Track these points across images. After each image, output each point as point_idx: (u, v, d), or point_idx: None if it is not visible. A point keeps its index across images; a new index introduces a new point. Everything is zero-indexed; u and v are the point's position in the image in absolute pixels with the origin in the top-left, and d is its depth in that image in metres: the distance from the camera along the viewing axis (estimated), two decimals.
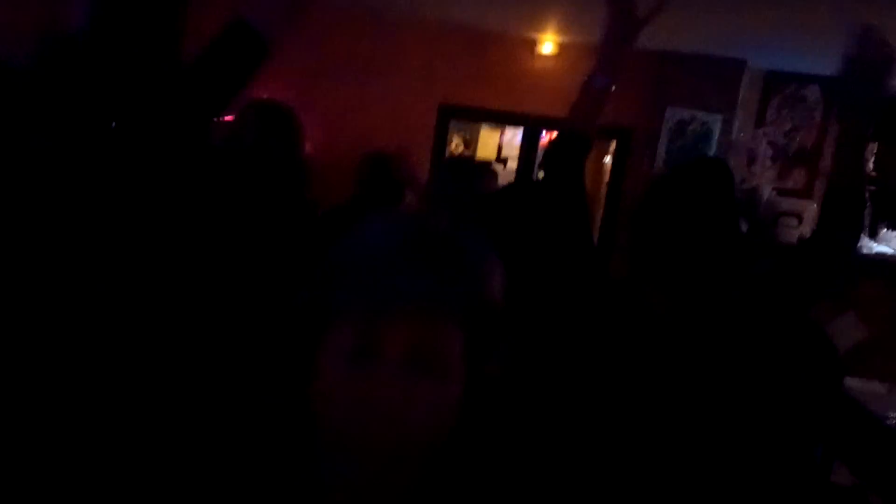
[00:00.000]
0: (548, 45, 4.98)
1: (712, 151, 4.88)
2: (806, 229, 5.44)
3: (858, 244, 1.26)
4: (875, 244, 5.41)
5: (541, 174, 1.74)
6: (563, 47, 4.99)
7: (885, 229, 5.73)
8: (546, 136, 5.51)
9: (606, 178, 5.45)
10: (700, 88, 4.99)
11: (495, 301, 0.71)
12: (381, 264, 0.66)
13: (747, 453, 1.22)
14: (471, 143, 6.56)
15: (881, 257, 5.20)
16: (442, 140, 5.20)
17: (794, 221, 5.02)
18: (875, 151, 6.14)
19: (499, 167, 5.85)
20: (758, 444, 1.23)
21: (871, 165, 6.20)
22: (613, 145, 5.38)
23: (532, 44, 4.99)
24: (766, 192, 5.26)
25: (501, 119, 5.64)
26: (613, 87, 1.58)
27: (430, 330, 0.67)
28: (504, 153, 6.62)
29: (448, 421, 0.69)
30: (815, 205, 5.71)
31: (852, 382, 3.06)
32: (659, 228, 1.32)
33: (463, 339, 0.68)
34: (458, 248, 0.69)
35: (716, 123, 4.95)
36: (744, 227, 1.26)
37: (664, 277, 1.30)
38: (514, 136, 6.10)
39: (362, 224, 0.72)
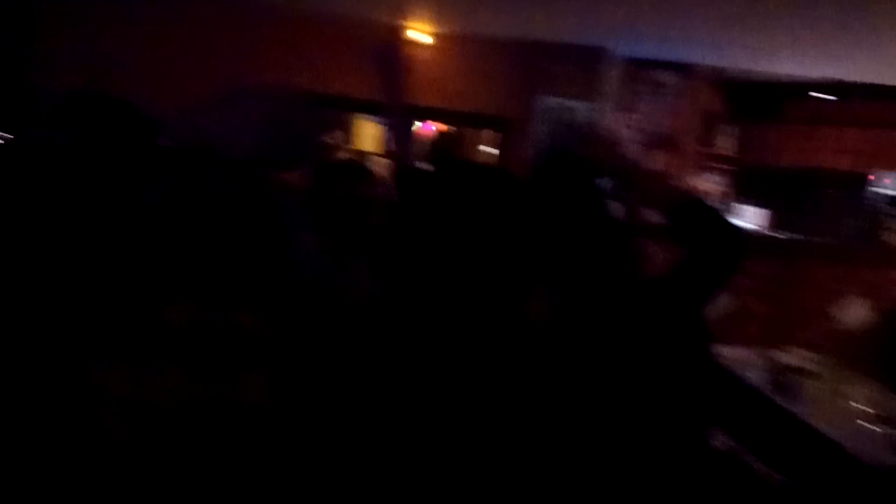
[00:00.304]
0: (418, 33, 4.92)
1: (580, 139, 5.01)
2: None
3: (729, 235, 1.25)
4: (736, 220, 5.79)
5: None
6: (437, 37, 4.96)
7: (742, 205, 6.14)
8: (431, 127, 5.47)
9: None
10: (565, 76, 5.12)
11: None
12: None
13: (630, 423, 1.21)
14: (349, 135, 6.40)
15: None
16: None
17: None
18: (737, 133, 6.59)
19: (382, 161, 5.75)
20: (638, 413, 1.22)
21: (731, 146, 6.63)
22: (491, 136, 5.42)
23: (403, 31, 4.93)
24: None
25: (375, 110, 5.50)
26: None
27: None
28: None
29: None
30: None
31: (722, 350, 3.20)
32: (530, 232, 1.29)
33: None
34: None
35: (583, 111, 5.09)
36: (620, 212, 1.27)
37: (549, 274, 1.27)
38: None
39: None
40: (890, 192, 6.08)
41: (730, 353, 3.29)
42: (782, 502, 2.46)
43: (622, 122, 5.71)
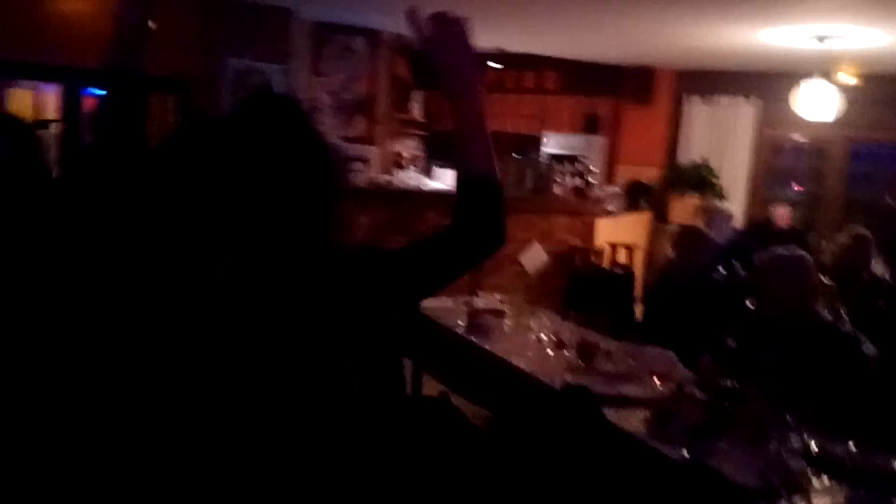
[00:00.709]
0: None
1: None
2: (371, 172, 5.84)
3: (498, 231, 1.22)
4: (430, 181, 6.12)
5: None
6: None
7: (437, 168, 6.51)
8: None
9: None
10: (253, 38, 4.86)
11: None
12: None
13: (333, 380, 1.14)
14: None
15: (438, 192, 5.89)
16: None
17: (361, 166, 5.32)
18: (422, 99, 6.92)
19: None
20: (343, 370, 1.15)
21: (419, 112, 6.96)
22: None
23: None
24: (332, 140, 5.46)
25: (30, 73, 4.64)
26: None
27: None
28: (45, 115, 5.53)
29: None
30: (374, 149, 6.19)
31: (428, 302, 3.35)
32: (216, 179, 1.10)
33: None
34: None
35: (275, 74, 4.89)
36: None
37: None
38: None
39: None
40: (554, 151, 6.96)
41: (434, 305, 3.44)
42: (490, 442, 2.66)
43: (319, 87, 5.63)
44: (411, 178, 5.89)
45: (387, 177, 5.90)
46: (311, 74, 5.55)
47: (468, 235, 1.24)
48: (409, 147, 6.62)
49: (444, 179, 6.16)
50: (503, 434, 2.59)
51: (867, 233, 4.51)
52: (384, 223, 4.78)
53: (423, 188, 5.76)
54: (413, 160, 6.45)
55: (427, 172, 6.24)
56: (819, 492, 1.74)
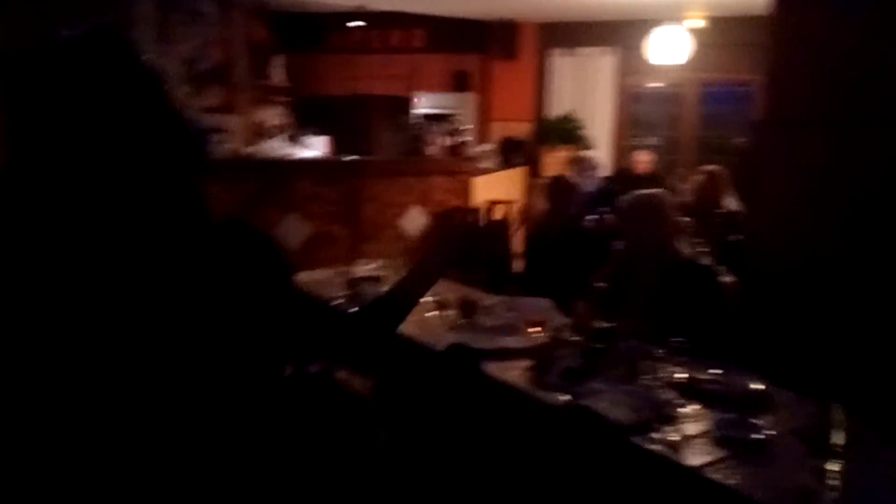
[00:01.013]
0: None
1: None
2: (234, 143, 5.54)
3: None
4: (300, 150, 5.89)
5: None
6: None
7: (308, 136, 6.27)
8: None
9: None
10: (87, 6, 4.40)
11: None
12: None
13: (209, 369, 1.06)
14: None
15: (309, 161, 5.69)
16: None
17: (221, 136, 5.03)
18: (289, 65, 6.61)
19: None
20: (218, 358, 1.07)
21: (284, 77, 6.66)
22: None
23: None
24: (192, 113, 5.11)
25: None
26: None
27: None
28: None
29: None
30: (235, 118, 5.87)
31: (302, 276, 3.23)
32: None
33: None
34: None
35: None
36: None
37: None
38: None
39: None
40: (426, 111, 6.89)
41: (313, 277, 3.33)
42: (375, 411, 2.61)
43: (169, 56, 5.22)
44: (279, 147, 5.64)
45: (252, 148, 5.63)
46: (158, 43, 5.13)
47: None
48: (274, 115, 6.33)
49: (315, 147, 5.95)
50: (389, 401, 2.55)
51: (720, 170, 4.80)
52: (253, 196, 4.56)
53: (293, 157, 5.54)
54: (280, 129, 6.18)
55: (296, 141, 6.00)
56: (688, 418, 1.82)
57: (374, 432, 2.42)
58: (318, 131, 6.08)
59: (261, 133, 6.07)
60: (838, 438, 1.46)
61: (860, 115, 2.82)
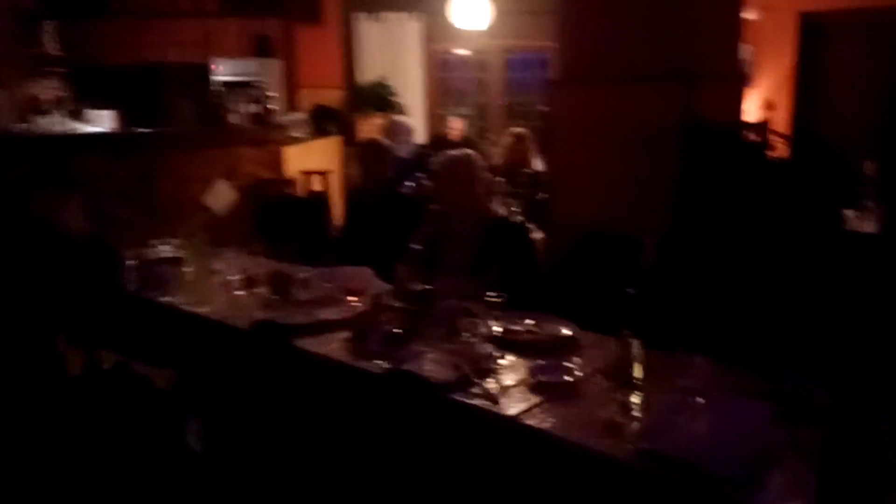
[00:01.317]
0: None
1: None
2: (3, 120, 4.84)
3: None
4: (82, 125, 5.26)
5: None
6: None
7: (91, 110, 5.60)
8: None
9: None
10: None
11: None
12: None
13: None
14: None
15: (93, 135, 5.10)
16: None
17: None
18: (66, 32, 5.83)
19: None
20: None
21: (55, 46, 5.88)
22: None
23: None
24: None
25: None
26: None
27: None
28: None
29: None
30: (3, 91, 5.13)
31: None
32: None
33: None
34: None
35: None
36: None
37: None
38: None
39: None
40: (226, 78, 6.46)
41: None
42: (179, 402, 2.40)
43: None
44: (56, 123, 4.99)
45: (25, 125, 4.94)
46: None
47: None
48: (48, 88, 5.58)
49: (101, 122, 5.34)
50: (195, 390, 2.35)
51: (525, 132, 5.00)
52: (30, 176, 4.02)
53: (74, 133, 4.93)
54: (57, 102, 5.46)
55: (77, 115, 5.34)
56: (505, 369, 1.85)
57: (179, 424, 2.23)
58: (103, 104, 5.45)
59: (35, 109, 5.33)
60: (638, 372, 1.55)
61: (639, 71, 3.05)
